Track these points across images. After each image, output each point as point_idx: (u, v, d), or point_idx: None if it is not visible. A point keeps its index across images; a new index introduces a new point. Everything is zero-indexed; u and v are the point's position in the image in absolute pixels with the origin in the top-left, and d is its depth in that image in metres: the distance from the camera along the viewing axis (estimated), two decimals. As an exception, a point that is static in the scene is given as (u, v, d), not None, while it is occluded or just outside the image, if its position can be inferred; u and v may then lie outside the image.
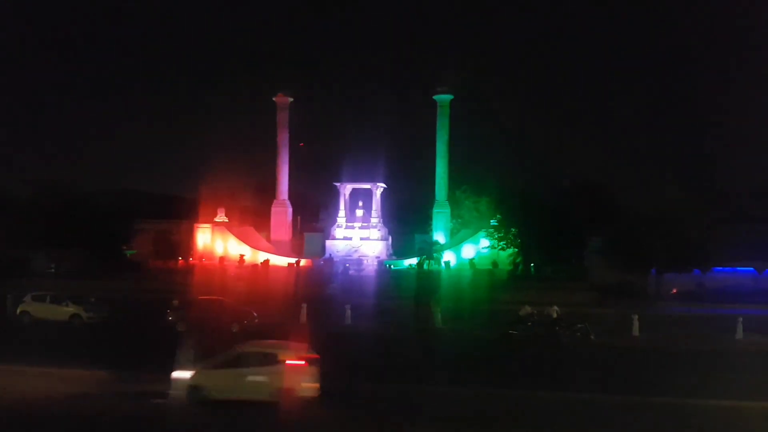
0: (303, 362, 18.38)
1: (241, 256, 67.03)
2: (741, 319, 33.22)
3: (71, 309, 34.91)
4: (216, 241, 71.61)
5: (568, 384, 22.22)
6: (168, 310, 33.94)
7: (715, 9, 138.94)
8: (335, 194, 74.74)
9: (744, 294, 50.41)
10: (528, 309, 32.97)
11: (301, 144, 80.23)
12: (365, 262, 67.81)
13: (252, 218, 78.35)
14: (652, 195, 55.54)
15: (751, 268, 52.05)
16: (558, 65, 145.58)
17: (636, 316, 34.07)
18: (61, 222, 55.18)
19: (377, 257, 69.62)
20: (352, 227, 72.76)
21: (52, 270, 57.67)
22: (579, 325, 31.80)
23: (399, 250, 73.99)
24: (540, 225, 54.75)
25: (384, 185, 73.43)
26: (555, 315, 32.10)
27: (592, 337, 31.24)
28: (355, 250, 70.90)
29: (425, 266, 63.89)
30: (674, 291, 52.14)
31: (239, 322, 33.08)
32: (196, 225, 71.91)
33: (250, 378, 18.34)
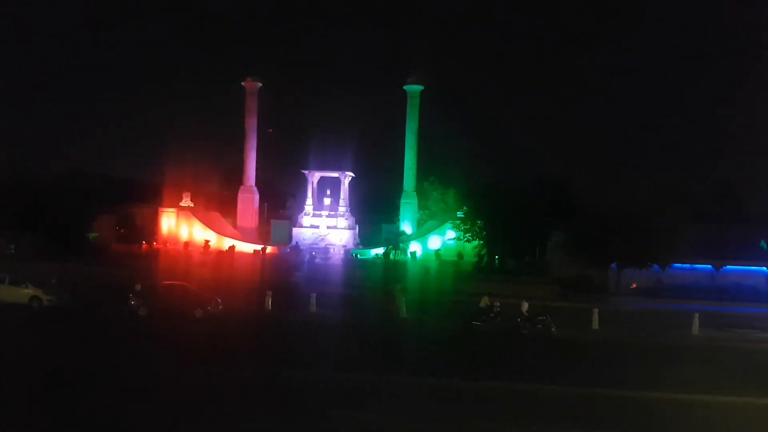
0: None
1: (207, 241, 66.39)
2: (698, 315, 34.19)
3: (30, 291, 34.18)
4: (181, 226, 70.76)
5: (530, 375, 22.61)
6: (130, 295, 33.50)
7: (681, 3, 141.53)
8: (303, 182, 74.48)
9: (701, 290, 51.85)
10: (487, 300, 33.40)
11: (270, 130, 79.61)
12: (332, 250, 67.79)
13: (218, 204, 77.65)
14: (614, 192, 56.56)
15: (709, 266, 53.44)
16: (528, 60, 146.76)
17: (596, 310, 34.82)
18: (22, 203, 53.87)
19: (344, 246, 69.67)
20: (320, 215, 72.64)
21: (12, 251, 56.29)
22: (540, 318, 32.35)
23: (366, 239, 74.17)
24: (505, 218, 55.46)
25: (352, 174, 73.42)
26: (525, 310, 32.56)
27: (554, 329, 31.82)
28: (322, 239, 70.84)
29: (391, 256, 64.19)
30: (634, 286, 53.26)
31: (203, 307, 32.83)
32: (160, 209, 70.95)
33: None
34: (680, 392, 20.56)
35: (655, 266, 51.70)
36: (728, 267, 53.43)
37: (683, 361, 26.69)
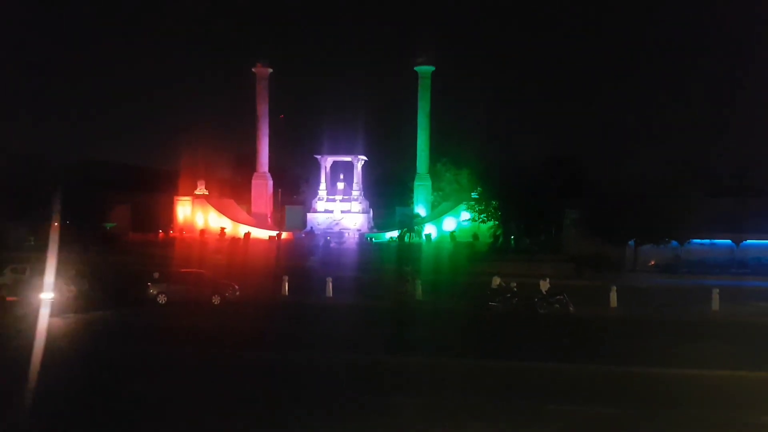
0: None
1: (222, 229, 66.73)
2: (717, 290, 33.83)
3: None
4: (196, 214, 71.13)
5: (550, 354, 22.51)
6: (149, 283, 33.76)
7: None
8: (316, 167, 74.42)
9: (721, 266, 51.38)
10: (498, 280, 33.27)
11: (282, 116, 79.51)
12: (346, 234, 67.85)
13: (232, 191, 77.94)
14: (630, 168, 56.07)
15: (728, 241, 52.90)
16: (539, 39, 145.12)
17: (614, 288, 34.55)
18: (39, 194, 54.35)
19: (358, 230, 69.69)
20: (333, 200, 72.63)
21: (31, 242, 56.90)
22: (558, 297, 32.15)
23: (380, 222, 74.13)
24: (519, 198, 55.11)
25: (365, 158, 73.21)
26: (545, 289, 32.38)
27: (571, 308, 31.63)
28: (336, 223, 70.88)
29: (406, 239, 64.12)
30: (652, 263, 52.91)
31: (221, 294, 33.05)
32: (176, 197, 71.35)
33: None
34: (703, 368, 20.39)
35: (674, 242, 51.27)
36: (748, 241, 52.86)
37: (704, 337, 26.43)
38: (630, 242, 51.46)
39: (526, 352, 22.94)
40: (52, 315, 26.66)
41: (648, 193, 47.99)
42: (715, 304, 33.26)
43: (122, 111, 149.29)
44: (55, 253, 45.84)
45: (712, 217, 49.23)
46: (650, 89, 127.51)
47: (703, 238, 51.88)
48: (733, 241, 52.82)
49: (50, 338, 22.66)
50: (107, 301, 33.05)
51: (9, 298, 31.06)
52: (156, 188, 72.98)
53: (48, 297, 27.34)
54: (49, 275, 27.62)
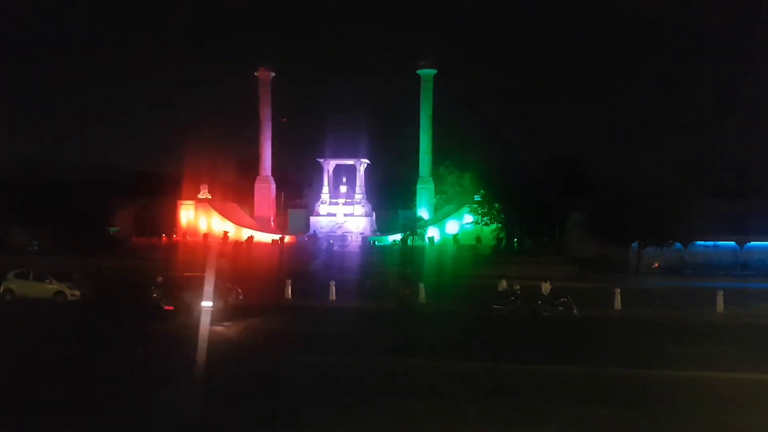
0: None
1: (225, 232, 66.76)
2: (721, 292, 33.76)
3: (55, 286, 34.67)
4: (199, 218, 71.18)
5: (554, 357, 22.48)
6: (152, 287, 33.78)
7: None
8: (319, 170, 74.43)
9: (725, 267, 51.29)
10: (504, 283, 33.25)
11: (284, 119, 79.57)
12: (349, 238, 67.82)
13: (235, 194, 77.97)
14: (633, 169, 55.99)
15: (732, 242, 52.80)
16: (541, 40, 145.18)
17: (618, 290, 34.50)
18: (42, 198, 54.48)
19: (361, 233, 69.66)
20: (336, 203, 72.64)
21: (35, 247, 57.06)
22: (562, 299, 32.12)
23: (383, 226, 74.10)
24: (522, 200, 55.07)
25: (368, 161, 73.23)
26: (546, 291, 32.39)
27: (575, 311, 31.59)
28: (339, 226, 70.88)
29: (409, 242, 64.08)
30: (656, 265, 52.85)
31: (224, 298, 33.03)
32: (179, 201, 71.40)
33: None
34: (708, 370, 20.33)
35: (677, 244, 51.19)
36: (752, 243, 52.77)
37: (709, 339, 26.38)
38: (633, 244, 51.39)
39: (529, 355, 22.91)
40: (212, 323, 26.64)
41: (651, 195, 47.96)
42: (720, 306, 33.20)
43: (126, 115, 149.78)
44: (58, 257, 45.72)
45: (715, 219, 49.18)
46: (652, 89, 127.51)
47: (706, 240, 51.83)
48: (736, 242, 52.77)
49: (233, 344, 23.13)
50: (110, 305, 33.10)
51: (167, 307, 30.35)
52: (159, 192, 73.05)
53: (208, 306, 27.27)
54: (209, 284, 27.59)
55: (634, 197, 48.38)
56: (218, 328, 26.94)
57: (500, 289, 33.05)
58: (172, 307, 30.27)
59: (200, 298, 27.41)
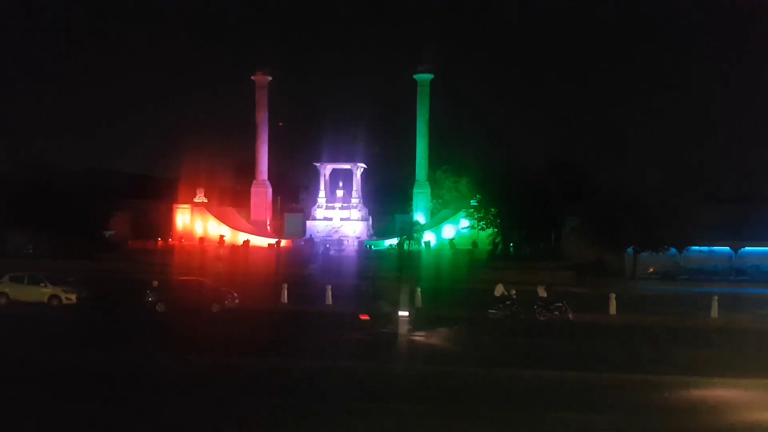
0: None
1: (221, 236, 66.72)
2: (716, 297, 33.87)
3: (49, 290, 34.58)
4: (195, 222, 71.16)
5: (549, 362, 22.52)
6: (148, 291, 33.76)
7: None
8: (315, 174, 74.45)
9: (720, 273, 51.40)
10: (502, 288, 33.30)
11: (281, 124, 79.58)
12: (346, 242, 67.83)
13: (231, 199, 77.94)
14: (628, 175, 56.06)
15: (727, 248, 52.91)
16: (538, 45, 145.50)
17: (613, 295, 34.59)
18: (38, 201, 54.31)
19: (358, 237, 69.70)
20: (333, 207, 72.68)
21: (30, 250, 56.88)
22: (557, 304, 32.19)
23: (379, 230, 74.14)
24: (518, 205, 55.13)
25: (364, 165, 73.31)
26: (543, 294, 32.45)
27: (571, 316, 31.64)
28: (336, 231, 70.90)
29: (405, 246, 64.12)
30: (651, 270, 52.92)
31: (220, 302, 33.05)
32: (175, 205, 71.37)
33: None
34: (703, 375, 20.42)
35: (672, 249, 51.30)
36: (746, 249, 52.89)
37: (704, 344, 26.45)
38: (629, 249, 51.50)
39: (524, 360, 22.95)
40: (410, 332, 26.76)
41: (647, 201, 48.09)
42: (714, 312, 33.30)
43: (122, 119, 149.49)
44: (53, 260, 45.53)
45: (710, 225, 49.28)
46: (649, 94, 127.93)
47: (701, 246, 51.94)
48: (731, 248, 52.86)
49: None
50: (105, 309, 33.02)
51: (362, 316, 29.00)
52: (155, 196, 72.97)
53: (405, 314, 27.08)
54: (404, 292, 27.39)
55: (629, 202, 48.50)
56: (418, 338, 26.76)
57: (497, 293, 33.09)
58: (368, 317, 28.67)
59: (397, 306, 27.17)
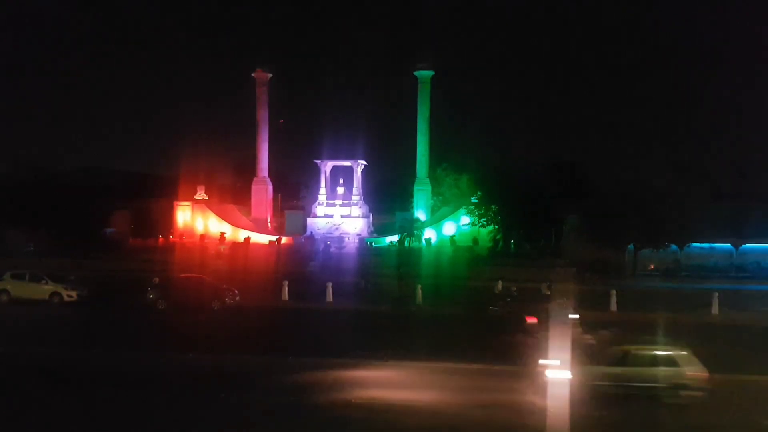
0: None
1: (222, 233, 66.73)
2: (717, 294, 33.87)
3: (51, 287, 34.60)
4: (196, 219, 71.15)
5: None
6: (148, 288, 33.78)
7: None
8: (316, 172, 74.40)
9: (720, 270, 51.39)
10: (500, 286, 33.43)
11: (281, 121, 79.55)
12: (346, 239, 67.83)
13: (232, 196, 77.93)
14: (629, 172, 56.13)
15: (728, 245, 52.90)
16: (540, 42, 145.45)
17: (614, 292, 34.59)
18: (38, 200, 54.39)
19: (358, 234, 69.69)
20: (333, 205, 72.64)
21: (31, 248, 56.94)
22: (558, 302, 32.13)
23: (380, 227, 74.11)
24: (519, 202, 55.14)
25: (365, 162, 73.26)
26: (548, 292, 32.48)
27: (571, 312, 31.61)
28: (336, 228, 70.90)
29: (406, 243, 64.12)
30: (651, 267, 52.95)
31: (220, 299, 33.06)
32: (175, 203, 71.37)
33: None
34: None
35: (673, 246, 51.31)
36: (747, 245, 52.89)
37: (705, 340, 26.36)
38: (630, 246, 51.51)
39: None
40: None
41: (648, 198, 48.09)
42: (715, 308, 33.30)
43: (122, 117, 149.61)
44: (54, 258, 45.60)
45: (711, 222, 49.30)
46: (649, 92, 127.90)
47: (702, 242, 51.94)
48: (732, 245, 52.87)
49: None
50: (106, 306, 33.01)
51: (529, 318, 27.27)
52: (156, 194, 72.97)
53: (575, 317, 26.23)
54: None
55: (630, 200, 48.50)
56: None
57: (497, 291, 33.17)
58: (536, 319, 27.71)
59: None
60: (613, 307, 34.03)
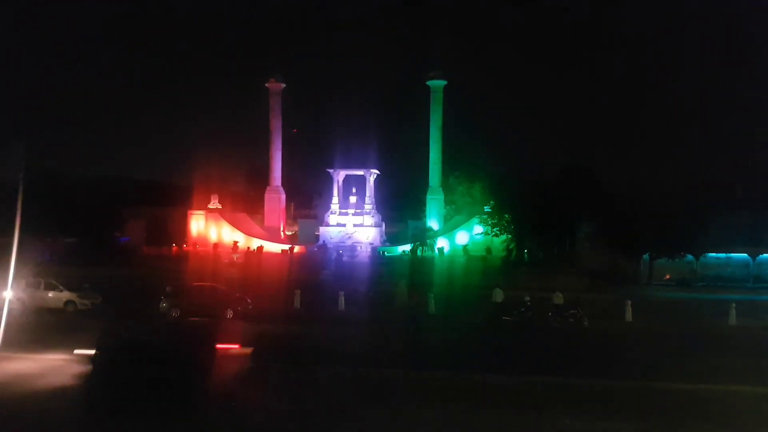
0: None
1: (235, 242, 66.94)
2: (734, 304, 33.43)
3: (65, 295, 34.80)
4: (210, 228, 71.47)
5: (562, 369, 22.28)
6: (162, 297, 33.85)
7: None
8: (328, 181, 74.59)
9: (737, 280, 50.76)
10: (501, 293, 33.51)
11: (294, 130, 79.87)
12: (359, 248, 67.81)
13: (245, 204, 78.27)
14: (644, 180, 55.65)
15: (745, 255, 52.26)
16: (552, 50, 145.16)
17: (629, 302, 34.24)
18: (54, 208, 54.78)
19: (371, 243, 69.63)
20: (346, 213, 72.72)
21: (46, 257, 57.33)
22: (572, 311, 31.92)
23: (392, 236, 74.06)
24: (532, 210, 54.80)
25: (377, 171, 73.32)
26: (559, 301, 32.31)
27: (586, 323, 31.35)
28: (349, 237, 70.91)
29: (419, 253, 63.95)
30: (667, 276, 52.39)
31: (233, 308, 33.05)
32: (189, 211, 71.75)
33: None
34: (722, 383, 20.09)
35: (689, 256, 50.78)
36: (765, 255, 52.24)
37: (723, 351, 26.05)
38: (645, 256, 51.03)
39: (538, 367, 22.72)
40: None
41: (663, 206, 47.66)
42: (733, 319, 32.86)
43: (137, 126, 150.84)
44: (69, 266, 45.66)
45: (727, 230, 48.78)
46: (665, 99, 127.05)
47: (718, 252, 51.36)
48: (749, 255, 52.21)
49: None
50: (120, 314, 33.07)
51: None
52: (170, 202, 73.42)
53: None
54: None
55: (645, 209, 48.08)
56: None
57: (496, 299, 33.14)
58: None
59: None
60: (629, 317, 33.67)
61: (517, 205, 56.86)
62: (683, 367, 22.91)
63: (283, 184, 76.27)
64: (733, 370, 22.24)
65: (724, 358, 24.52)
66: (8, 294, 25.42)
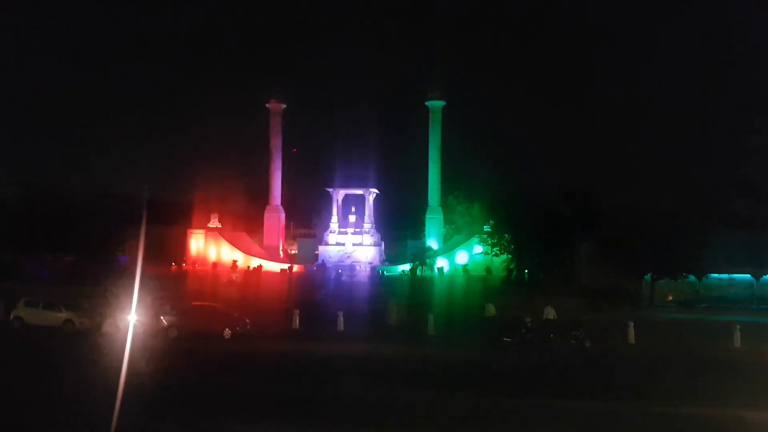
0: None
1: (234, 261, 66.66)
2: (739, 326, 33.09)
3: (64, 315, 34.59)
4: (209, 247, 71.22)
5: (564, 391, 21.96)
6: (160, 317, 33.55)
7: (701, 7, 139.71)
8: (328, 200, 74.56)
9: (740, 301, 50.41)
10: (492, 309, 33.41)
11: (294, 150, 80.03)
12: (358, 267, 67.55)
13: (244, 223, 78.04)
14: (643, 198, 55.46)
15: (748, 275, 51.90)
16: (549, 70, 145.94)
17: (632, 323, 33.89)
18: (53, 226, 54.55)
19: (370, 263, 69.38)
20: (345, 233, 72.58)
21: (45, 275, 57.01)
22: (574, 333, 31.59)
23: (392, 255, 73.83)
24: (532, 230, 54.62)
25: (377, 191, 73.31)
26: (551, 316, 32.08)
27: (588, 344, 31.02)
28: (348, 256, 70.69)
29: (418, 272, 63.67)
30: (670, 298, 52.03)
31: (231, 328, 32.80)
32: (189, 230, 71.54)
33: None
34: (730, 407, 19.76)
35: (691, 277, 50.48)
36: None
37: (728, 374, 25.68)
38: (646, 276, 50.72)
39: (539, 389, 22.40)
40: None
41: (664, 227, 47.46)
42: (737, 341, 32.50)
43: (137, 144, 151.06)
44: (68, 285, 45.41)
45: (729, 250, 48.52)
46: (664, 116, 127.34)
47: (721, 273, 51.04)
48: (752, 275, 51.88)
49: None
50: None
51: None
52: (169, 221, 73.20)
53: None
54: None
55: (646, 228, 47.88)
56: None
57: (490, 314, 33.00)
58: None
59: None
60: (631, 338, 33.32)
61: (517, 225, 56.70)
62: (690, 390, 22.55)
63: (282, 203, 76.21)
64: (741, 393, 21.89)
65: (730, 382, 24.16)
66: (132, 318, 25.19)
